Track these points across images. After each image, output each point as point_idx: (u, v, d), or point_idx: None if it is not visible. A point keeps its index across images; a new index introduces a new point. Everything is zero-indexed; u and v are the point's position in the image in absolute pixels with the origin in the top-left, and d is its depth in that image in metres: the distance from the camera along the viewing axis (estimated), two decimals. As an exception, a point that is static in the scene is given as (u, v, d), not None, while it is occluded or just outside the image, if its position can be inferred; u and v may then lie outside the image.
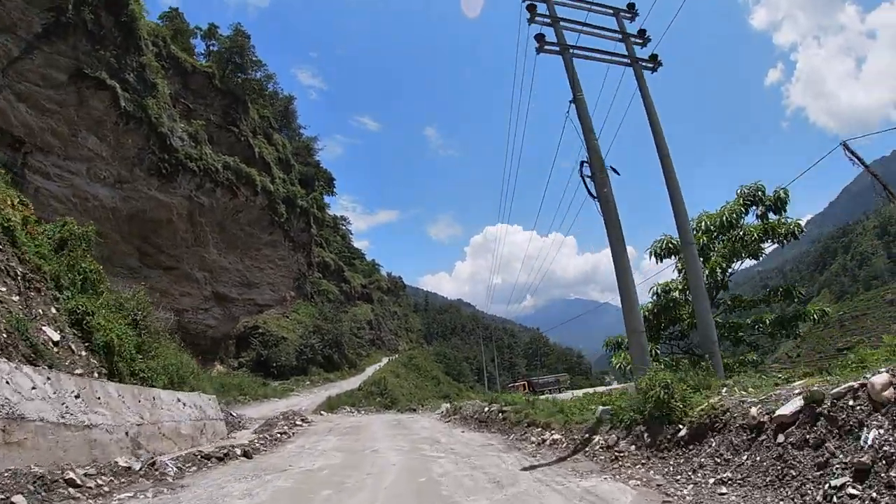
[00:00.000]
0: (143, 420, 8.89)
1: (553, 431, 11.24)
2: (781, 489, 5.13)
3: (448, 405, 25.41)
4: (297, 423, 16.82)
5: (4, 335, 7.52)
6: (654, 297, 14.03)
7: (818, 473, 4.82)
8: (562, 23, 11.39)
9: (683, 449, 7.26)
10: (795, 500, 4.84)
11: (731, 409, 6.82)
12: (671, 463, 7.23)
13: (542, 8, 11.22)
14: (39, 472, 6.03)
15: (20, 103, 25.53)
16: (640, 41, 12.08)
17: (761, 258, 14.27)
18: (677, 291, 13.85)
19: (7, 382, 6.20)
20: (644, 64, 11.96)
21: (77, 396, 7.41)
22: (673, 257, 13.74)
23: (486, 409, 17.58)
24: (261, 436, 12.80)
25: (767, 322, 13.31)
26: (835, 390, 5.19)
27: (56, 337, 8.82)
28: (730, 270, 13.54)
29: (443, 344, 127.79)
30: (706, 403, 7.39)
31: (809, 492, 4.75)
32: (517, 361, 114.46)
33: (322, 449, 11.19)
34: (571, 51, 11.31)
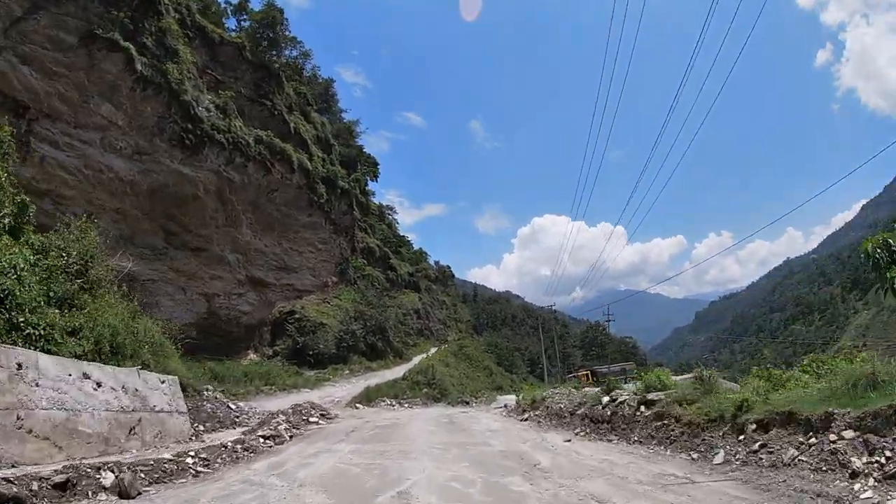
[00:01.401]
0: (-21, 399, 5.36)
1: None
2: None
3: (519, 396, 20.89)
4: (313, 419, 13.38)
5: None
6: None
7: None
8: None
9: None
10: None
11: None
12: None
13: None
14: None
15: (24, 66, 23.13)
16: None
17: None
18: None
19: None
20: None
21: None
22: None
23: (604, 399, 11.90)
24: (244, 438, 9.08)
25: None
26: None
27: None
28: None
29: (493, 335, 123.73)
30: None
31: None
32: (571, 352, 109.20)
33: (303, 479, 6.64)
34: None
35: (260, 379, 22.80)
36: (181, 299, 29.58)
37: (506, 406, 20.57)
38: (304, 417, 13.22)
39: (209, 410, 11.11)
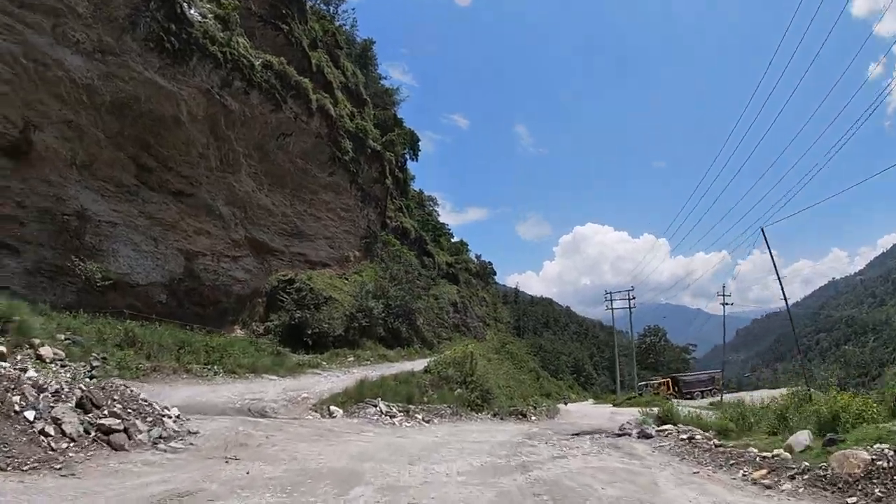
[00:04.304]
0: None
1: None
2: None
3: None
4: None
5: None
6: None
7: None
8: None
9: None
10: None
11: None
12: None
13: None
14: None
15: None
16: None
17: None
18: None
19: None
20: None
21: None
22: None
23: None
24: None
25: None
26: None
27: None
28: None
29: (535, 338, 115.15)
30: None
31: None
32: (622, 361, 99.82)
33: None
34: None
35: (206, 353, 15.64)
36: (149, 252, 22.88)
37: (643, 430, 12.04)
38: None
39: None
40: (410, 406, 14.57)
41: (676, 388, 45.67)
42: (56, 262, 18.81)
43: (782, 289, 27.46)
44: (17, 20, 18.25)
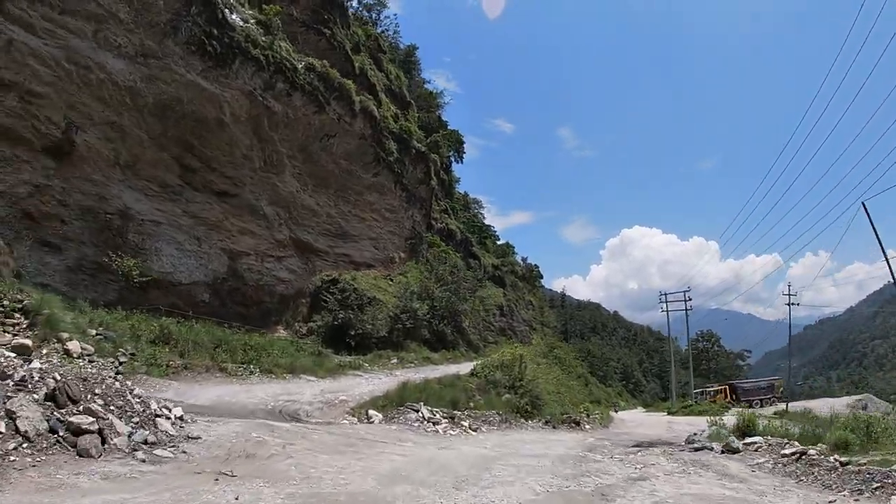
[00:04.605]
0: None
1: None
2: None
3: None
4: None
5: None
6: None
7: None
8: None
9: None
10: None
11: None
12: None
13: None
14: None
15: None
16: None
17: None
18: None
19: None
20: None
21: None
22: None
23: None
24: None
25: None
26: None
27: None
28: None
29: (582, 343, 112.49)
30: None
31: None
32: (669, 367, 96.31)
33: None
34: None
35: (243, 352, 15.24)
36: (192, 251, 22.87)
37: (728, 443, 10.63)
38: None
39: None
40: (455, 412, 13.59)
41: (734, 396, 43.29)
42: (97, 260, 18.89)
43: (890, 267, 25.04)
44: (58, 25, 18.44)
